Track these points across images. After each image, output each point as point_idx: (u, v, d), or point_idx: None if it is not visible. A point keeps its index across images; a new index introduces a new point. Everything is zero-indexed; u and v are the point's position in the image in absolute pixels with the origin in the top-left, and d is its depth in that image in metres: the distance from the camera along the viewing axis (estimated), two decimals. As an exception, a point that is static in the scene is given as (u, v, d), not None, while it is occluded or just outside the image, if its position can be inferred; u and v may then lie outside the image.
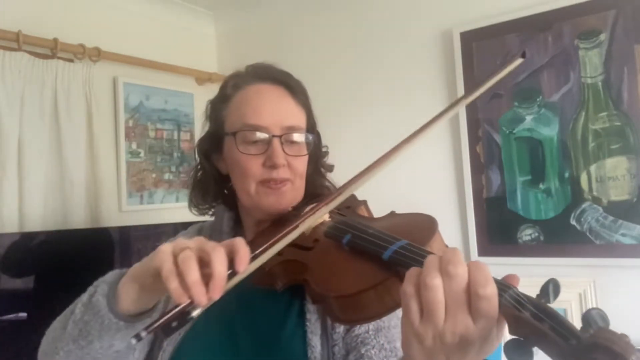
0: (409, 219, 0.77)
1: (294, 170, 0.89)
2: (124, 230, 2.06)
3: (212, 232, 0.99)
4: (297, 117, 0.91)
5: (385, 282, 0.60)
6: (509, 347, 0.48)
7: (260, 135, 0.87)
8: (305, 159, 0.92)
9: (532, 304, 0.48)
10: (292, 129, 0.89)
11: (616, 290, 1.72)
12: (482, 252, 1.97)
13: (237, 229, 0.99)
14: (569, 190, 1.83)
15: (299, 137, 0.90)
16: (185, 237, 1.01)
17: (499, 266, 1.91)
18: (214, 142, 0.95)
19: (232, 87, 0.93)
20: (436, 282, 0.50)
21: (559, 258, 1.82)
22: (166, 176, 2.47)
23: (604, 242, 1.75)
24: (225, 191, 0.98)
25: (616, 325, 0.41)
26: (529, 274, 1.84)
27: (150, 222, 2.20)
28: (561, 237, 1.83)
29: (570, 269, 1.79)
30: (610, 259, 1.74)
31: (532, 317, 0.46)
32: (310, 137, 0.92)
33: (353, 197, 0.92)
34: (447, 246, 0.67)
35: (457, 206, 2.06)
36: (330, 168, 1.04)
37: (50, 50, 1.98)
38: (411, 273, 0.54)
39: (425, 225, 0.70)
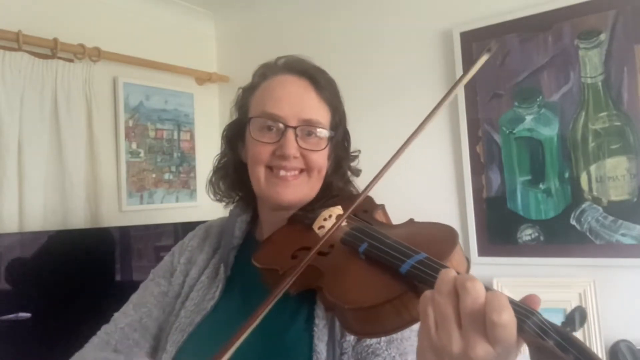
0: (429, 230, 0.74)
1: (308, 163, 0.87)
2: (124, 230, 2.06)
3: (223, 234, 0.98)
4: (318, 111, 0.90)
5: (402, 296, 0.59)
6: None
7: (276, 124, 0.86)
8: (324, 153, 0.90)
9: (556, 333, 0.46)
10: (309, 122, 0.87)
11: (616, 290, 1.72)
12: (482, 252, 1.97)
13: (250, 230, 0.98)
14: (569, 190, 1.83)
15: (317, 131, 0.88)
16: (193, 241, 1.01)
17: (499, 266, 1.93)
18: (238, 130, 0.95)
19: (259, 76, 0.94)
20: (448, 288, 0.50)
21: (559, 258, 1.82)
22: (166, 176, 2.47)
23: (604, 242, 1.75)
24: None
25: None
26: (529, 274, 1.86)
27: (150, 222, 2.20)
28: (561, 237, 1.83)
29: (570, 269, 1.79)
30: (610, 259, 1.73)
31: (556, 346, 0.45)
32: (330, 133, 0.91)
33: (370, 200, 0.90)
34: (467, 260, 0.65)
35: (457, 206, 2.06)
36: (357, 172, 1.01)
37: (50, 50, 1.97)
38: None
39: (445, 238, 0.67)
